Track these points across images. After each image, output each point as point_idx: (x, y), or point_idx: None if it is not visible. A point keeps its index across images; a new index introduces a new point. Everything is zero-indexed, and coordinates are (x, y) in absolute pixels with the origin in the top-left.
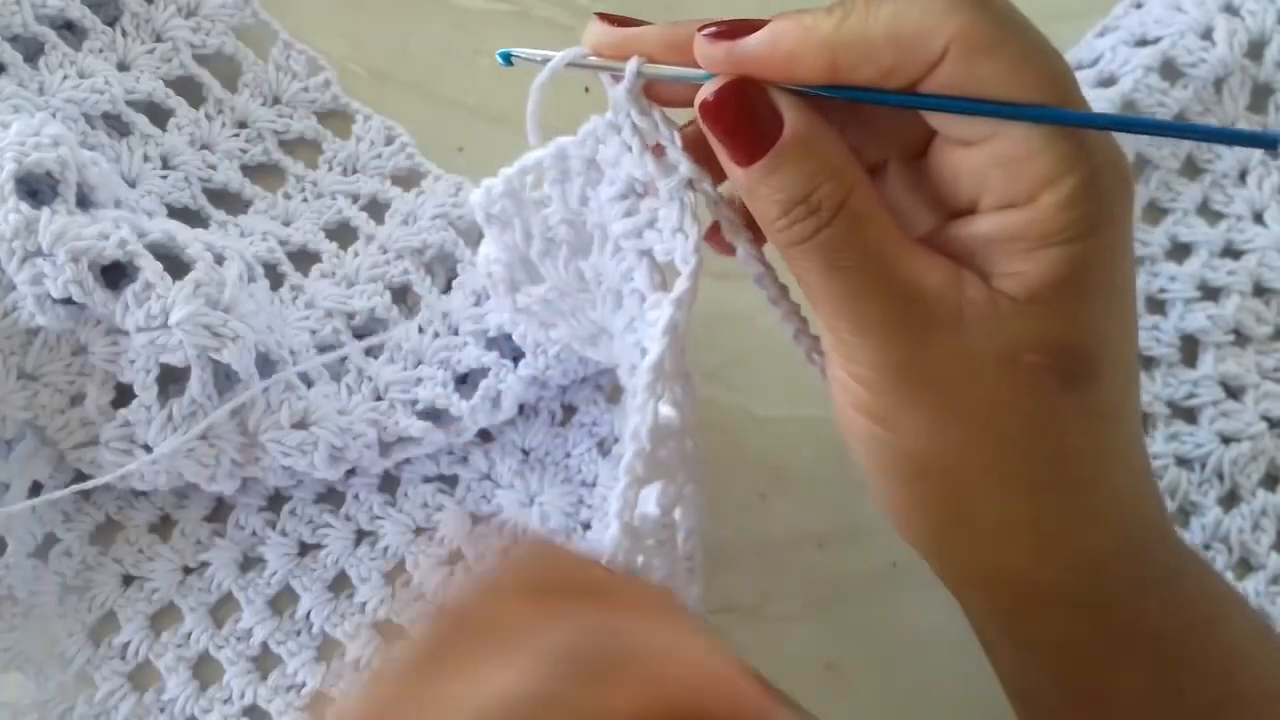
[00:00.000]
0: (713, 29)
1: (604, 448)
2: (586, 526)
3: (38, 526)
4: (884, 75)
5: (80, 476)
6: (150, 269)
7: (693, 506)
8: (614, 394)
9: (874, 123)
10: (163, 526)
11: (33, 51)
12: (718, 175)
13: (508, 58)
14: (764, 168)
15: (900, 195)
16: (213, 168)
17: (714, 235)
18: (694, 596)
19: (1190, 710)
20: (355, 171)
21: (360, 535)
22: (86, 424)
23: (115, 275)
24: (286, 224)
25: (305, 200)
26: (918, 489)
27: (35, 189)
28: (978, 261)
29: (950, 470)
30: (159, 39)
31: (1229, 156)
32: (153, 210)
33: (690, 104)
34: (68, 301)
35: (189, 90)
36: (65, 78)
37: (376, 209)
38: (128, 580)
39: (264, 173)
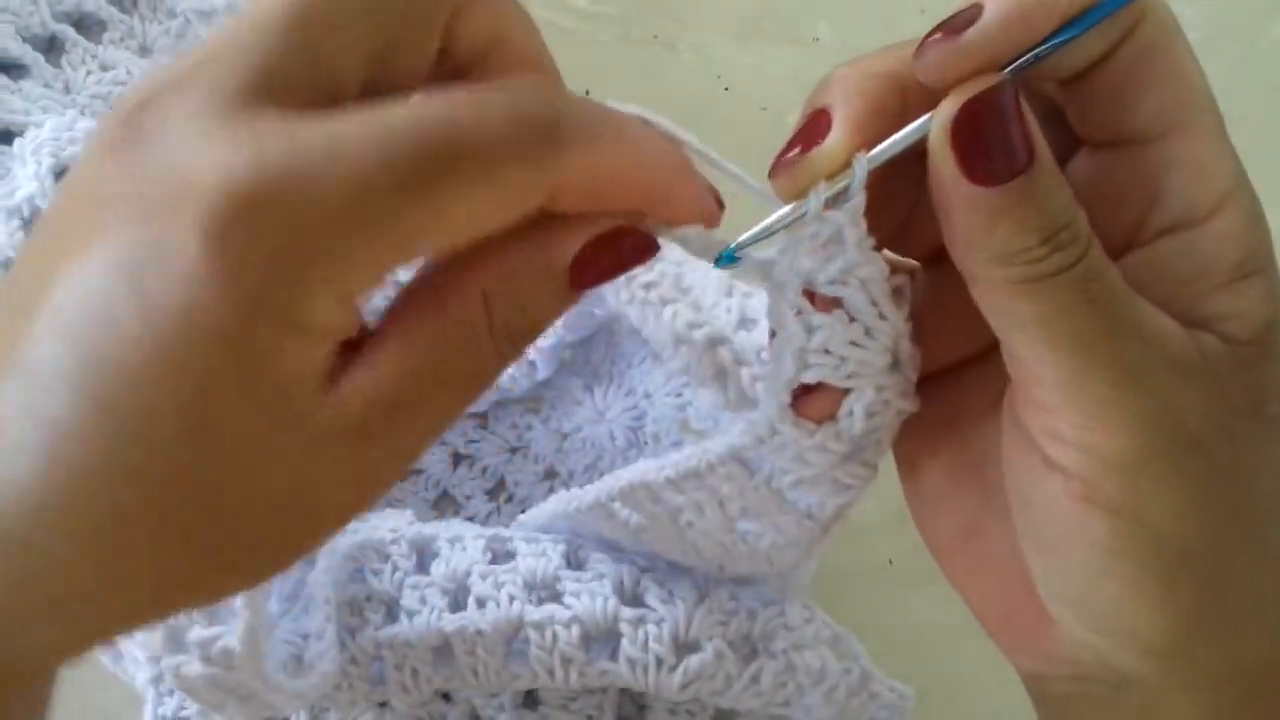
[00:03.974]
0: (937, 35)
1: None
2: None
3: None
4: None
5: None
6: None
7: None
8: None
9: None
10: None
11: (54, 50)
12: None
13: (732, 259)
14: (1026, 185)
15: None
16: None
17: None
18: None
19: None
20: None
21: (458, 459)
22: None
23: None
24: None
25: None
26: (1164, 582)
27: None
28: (1165, 305)
29: (1205, 551)
30: (173, 15)
31: None
32: None
33: None
34: None
35: None
36: (89, 73)
37: None
38: None
39: None
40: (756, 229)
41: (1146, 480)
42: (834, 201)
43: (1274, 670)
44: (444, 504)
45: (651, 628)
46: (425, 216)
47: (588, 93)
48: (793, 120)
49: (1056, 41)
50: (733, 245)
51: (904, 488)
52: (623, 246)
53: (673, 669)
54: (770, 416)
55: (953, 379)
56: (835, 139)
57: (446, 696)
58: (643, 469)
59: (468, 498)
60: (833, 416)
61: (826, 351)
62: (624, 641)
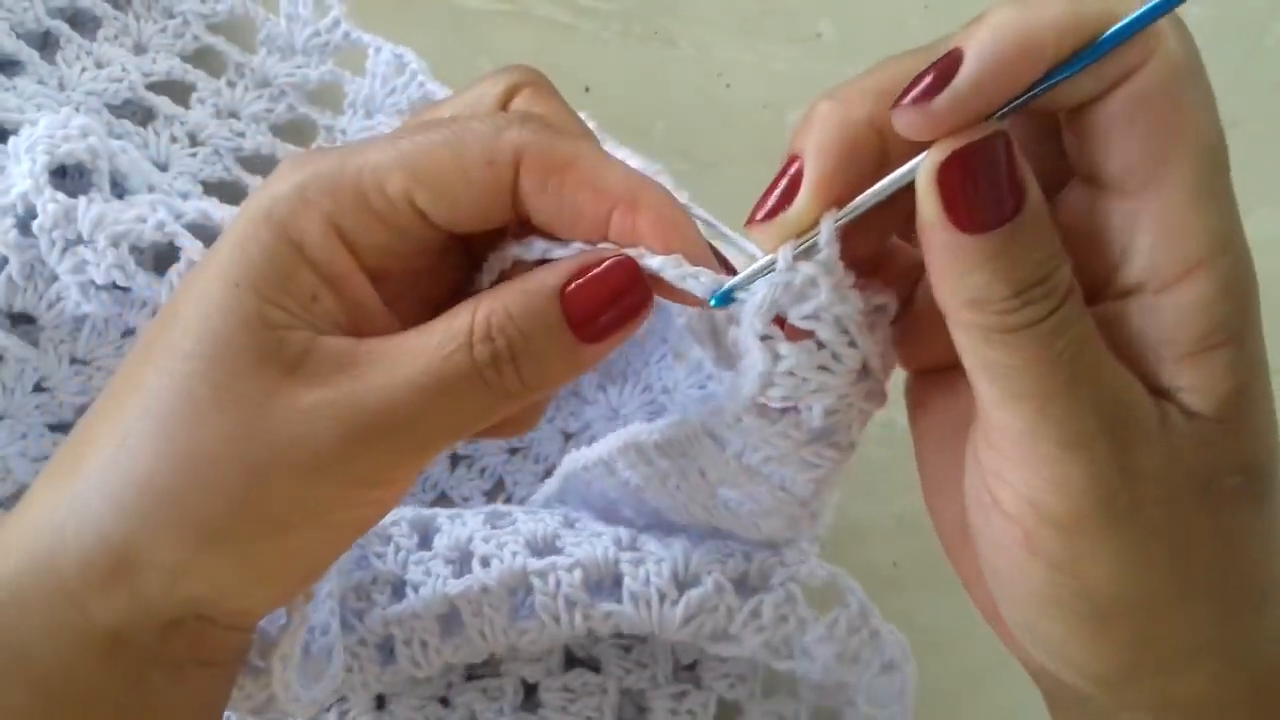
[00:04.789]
0: (912, 95)
1: (678, 353)
2: None
3: None
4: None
5: None
6: (192, 247)
7: None
8: None
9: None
10: None
11: (48, 46)
12: None
13: (727, 299)
14: (1006, 236)
15: None
16: (241, 135)
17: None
18: None
19: None
20: (374, 113)
21: (456, 459)
22: None
23: (154, 259)
24: None
25: None
26: (1098, 629)
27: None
28: (1129, 365)
29: (1139, 607)
30: (170, 15)
31: None
32: (187, 191)
33: None
34: (113, 287)
35: (208, 61)
36: (83, 70)
37: None
38: None
39: (294, 130)
40: (737, 278)
41: (1083, 540)
42: (808, 253)
43: (1208, 704)
44: (441, 505)
45: (652, 565)
46: (391, 153)
47: (588, 89)
48: (794, 119)
49: (1045, 86)
50: (724, 287)
51: (919, 473)
52: (610, 276)
53: (674, 603)
54: (736, 410)
55: (959, 374)
56: (801, 204)
57: (445, 701)
58: (636, 430)
59: (465, 499)
60: (794, 408)
61: (791, 374)
62: (625, 579)
